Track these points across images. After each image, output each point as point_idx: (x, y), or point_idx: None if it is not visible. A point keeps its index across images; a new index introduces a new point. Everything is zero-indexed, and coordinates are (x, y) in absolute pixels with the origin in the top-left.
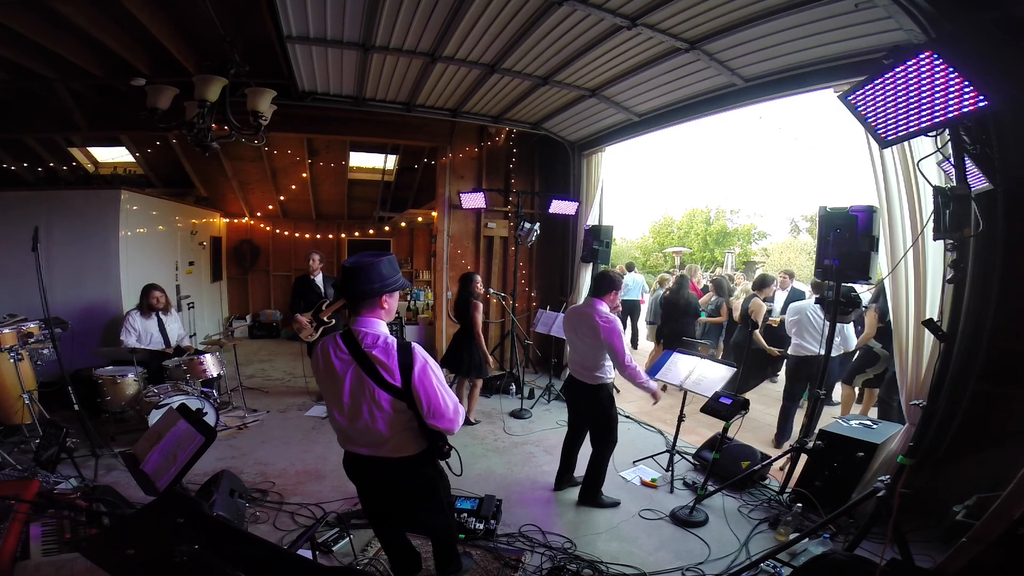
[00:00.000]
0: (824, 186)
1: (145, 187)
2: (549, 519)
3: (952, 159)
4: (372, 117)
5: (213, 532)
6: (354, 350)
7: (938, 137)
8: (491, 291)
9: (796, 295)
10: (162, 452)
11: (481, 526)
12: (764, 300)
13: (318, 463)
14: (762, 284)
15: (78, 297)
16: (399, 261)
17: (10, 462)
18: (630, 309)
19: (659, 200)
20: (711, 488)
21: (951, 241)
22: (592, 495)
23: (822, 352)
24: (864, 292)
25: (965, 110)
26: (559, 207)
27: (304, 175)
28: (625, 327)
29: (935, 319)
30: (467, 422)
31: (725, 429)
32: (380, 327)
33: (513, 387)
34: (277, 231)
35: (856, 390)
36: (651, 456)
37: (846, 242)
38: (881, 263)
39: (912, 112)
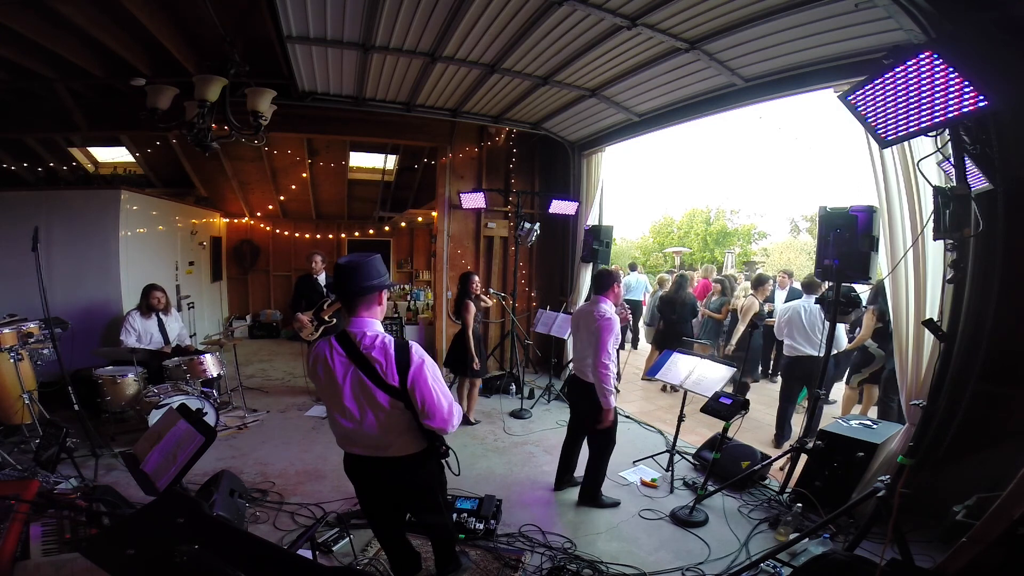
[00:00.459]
0: (824, 186)
1: (145, 187)
2: (549, 519)
3: (952, 159)
4: (372, 117)
5: (213, 532)
6: (352, 352)
7: (938, 137)
8: (491, 291)
9: (795, 295)
10: (162, 452)
11: (481, 526)
12: (764, 300)
13: (318, 463)
14: (758, 284)
15: (78, 297)
16: (399, 261)
17: (10, 462)
18: (632, 309)
19: (659, 200)
20: (711, 488)
21: (951, 241)
22: (592, 495)
23: (813, 352)
24: (861, 293)
25: (965, 110)
26: (559, 207)
27: (304, 175)
28: (626, 327)
29: (935, 319)
30: (467, 422)
31: (725, 429)
32: (377, 326)
33: (513, 387)
34: (277, 231)
35: (856, 390)
36: (651, 456)
37: (846, 242)
38: (881, 263)
39: (912, 112)
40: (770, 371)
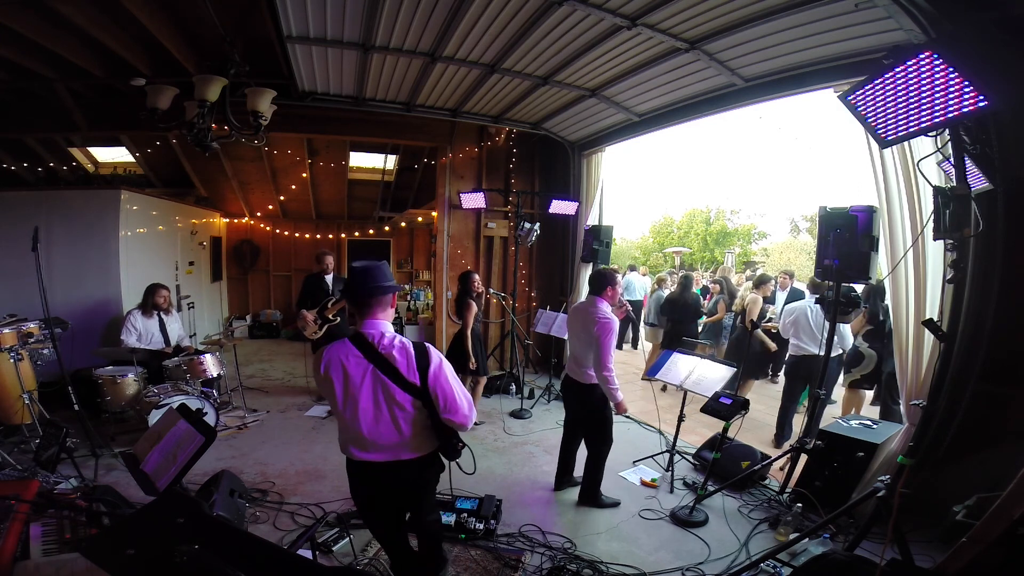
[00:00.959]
0: (824, 186)
1: (145, 187)
2: (549, 519)
3: (952, 159)
4: (372, 117)
5: (213, 532)
6: (369, 352)
7: (938, 137)
8: (491, 291)
9: (796, 295)
10: (162, 452)
11: (481, 526)
12: (764, 300)
13: (318, 463)
14: (760, 283)
15: (78, 297)
16: (399, 261)
17: (10, 462)
18: (635, 309)
19: (659, 200)
20: (711, 488)
21: (951, 241)
22: (592, 496)
23: (819, 352)
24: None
25: (965, 110)
26: (559, 207)
27: (304, 175)
28: (626, 327)
29: (935, 319)
30: None
31: (725, 429)
32: (390, 328)
33: (513, 387)
34: (277, 231)
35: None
36: (651, 456)
37: (846, 242)
38: (881, 263)
39: (912, 112)
40: (770, 371)
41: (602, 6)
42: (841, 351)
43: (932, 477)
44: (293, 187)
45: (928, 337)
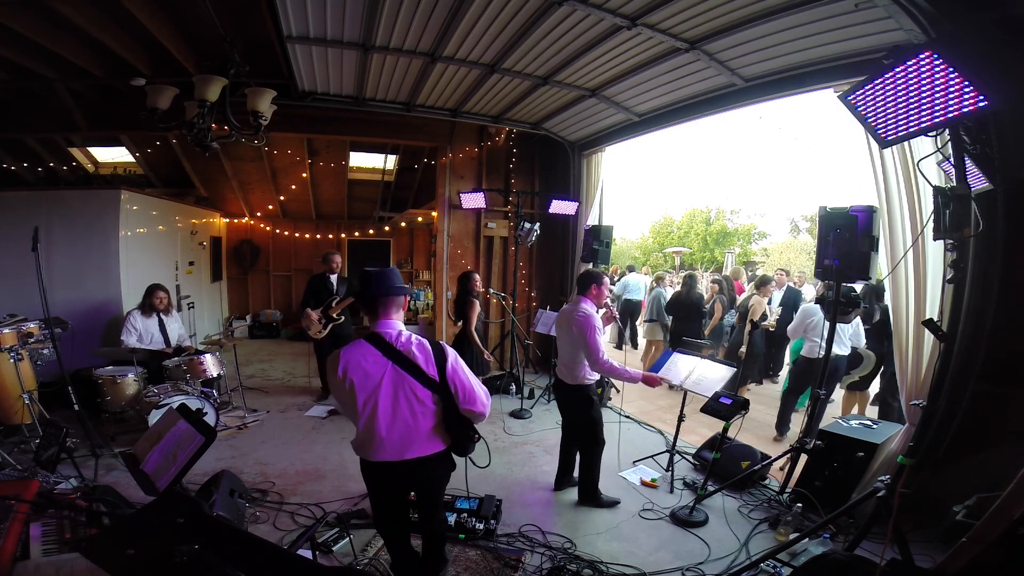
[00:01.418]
0: (824, 186)
1: (145, 187)
2: (549, 519)
3: (952, 159)
4: (372, 117)
5: (213, 532)
6: (388, 351)
7: (938, 137)
8: (491, 291)
9: (792, 294)
10: (162, 452)
11: (481, 526)
12: (764, 299)
13: (318, 463)
14: (761, 284)
15: (78, 297)
16: (399, 261)
17: (10, 462)
18: (632, 309)
19: (659, 200)
20: (711, 488)
21: (951, 241)
22: (590, 495)
23: (839, 352)
24: None
25: (965, 110)
26: (559, 207)
27: (304, 175)
28: (626, 327)
29: (935, 319)
30: None
31: (725, 429)
32: (403, 327)
33: (513, 387)
34: (277, 231)
35: (851, 392)
36: (651, 456)
37: (846, 242)
38: (881, 263)
39: (912, 112)
40: (770, 371)
41: (602, 6)
42: (852, 349)
43: (932, 477)
44: (293, 187)
45: (928, 337)
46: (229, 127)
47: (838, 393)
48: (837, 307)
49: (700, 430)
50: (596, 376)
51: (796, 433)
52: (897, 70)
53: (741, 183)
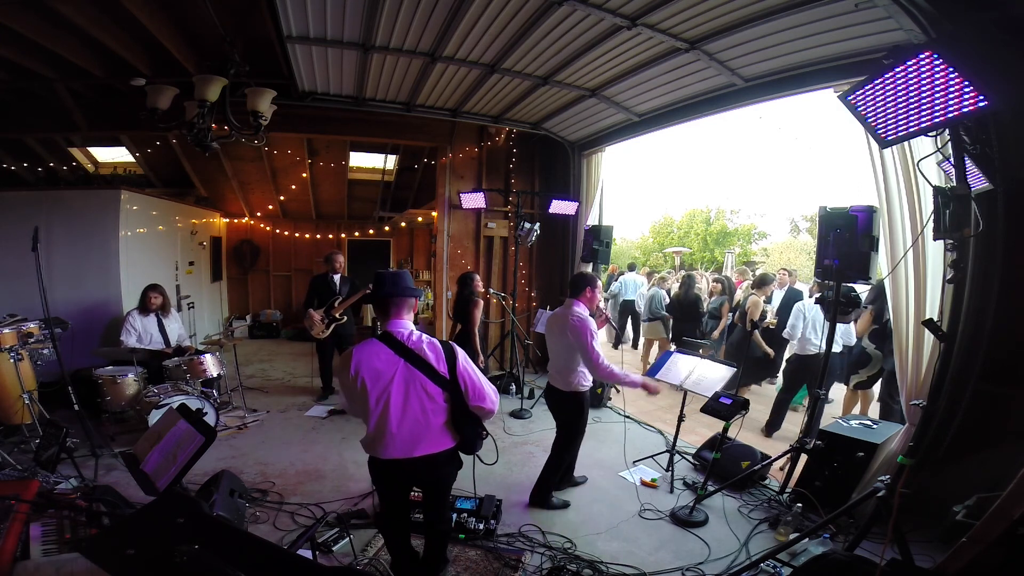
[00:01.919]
0: (824, 186)
1: (145, 187)
2: (549, 519)
3: (952, 159)
4: (372, 117)
5: (213, 532)
6: (399, 349)
7: (938, 137)
8: (491, 291)
9: (794, 294)
10: (162, 452)
11: (481, 526)
12: (764, 299)
13: (318, 463)
14: (761, 283)
15: (78, 297)
16: (399, 261)
17: (10, 462)
18: (630, 309)
19: (659, 200)
20: (711, 488)
21: (951, 241)
22: (542, 498)
23: (835, 349)
24: (861, 293)
25: (965, 110)
26: (559, 207)
27: (304, 175)
28: (624, 327)
29: (935, 319)
30: None
31: (725, 429)
32: (413, 327)
33: (513, 387)
34: (277, 231)
35: (855, 392)
36: (651, 456)
37: (846, 242)
38: (881, 263)
39: (912, 112)
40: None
41: (602, 6)
42: (842, 347)
43: (932, 477)
44: (293, 187)
45: (928, 337)
46: (229, 127)
47: (838, 393)
48: (837, 307)
49: (700, 430)
50: (589, 384)
51: (795, 433)
52: (897, 70)
53: (741, 183)
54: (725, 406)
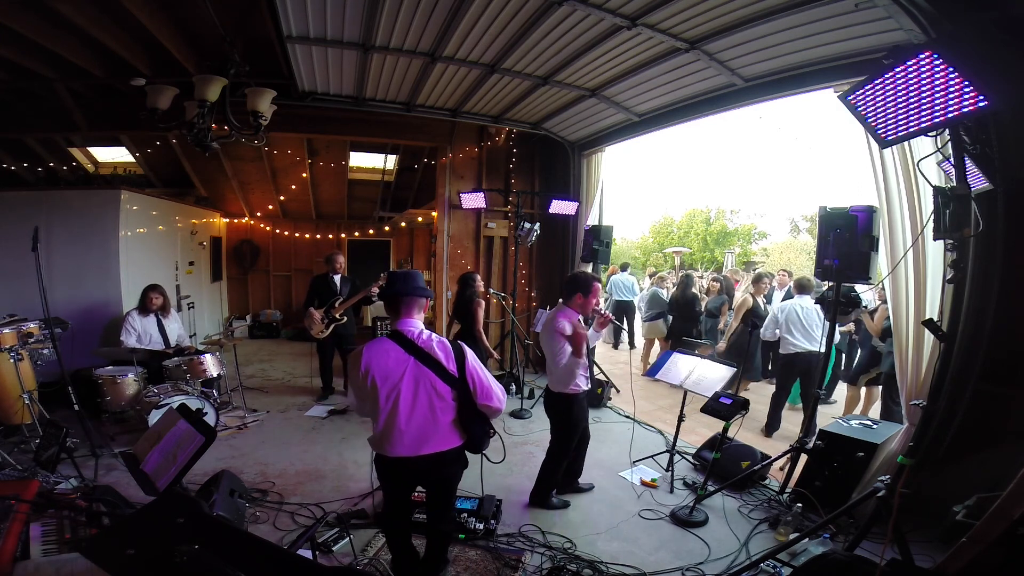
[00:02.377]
0: (824, 186)
1: (145, 187)
2: (549, 519)
3: (952, 159)
4: (372, 117)
5: (213, 532)
6: (409, 347)
7: (938, 137)
8: (491, 291)
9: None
10: (162, 452)
11: (481, 526)
12: (762, 299)
13: (318, 463)
14: (755, 281)
15: (78, 297)
16: (399, 261)
17: (10, 462)
18: (624, 309)
19: (659, 200)
20: (711, 488)
21: (951, 241)
22: (541, 499)
23: (812, 347)
24: (869, 291)
25: (965, 110)
26: (559, 207)
27: (304, 175)
28: (621, 327)
29: (935, 319)
30: None
31: (725, 429)
32: (423, 326)
33: (513, 387)
34: (277, 231)
35: (859, 390)
36: (651, 456)
37: (846, 242)
38: (881, 263)
39: (912, 112)
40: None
41: (602, 6)
42: (871, 348)
43: (932, 477)
44: (293, 187)
45: (928, 337)
46: (229, 127)
47: (839, 394)
48: (837, 307)
49: (700, 430)
50: (584, 387)
51: (795, 433)
52: (897, 70)
53: (741, 183)
54: (725, 406)
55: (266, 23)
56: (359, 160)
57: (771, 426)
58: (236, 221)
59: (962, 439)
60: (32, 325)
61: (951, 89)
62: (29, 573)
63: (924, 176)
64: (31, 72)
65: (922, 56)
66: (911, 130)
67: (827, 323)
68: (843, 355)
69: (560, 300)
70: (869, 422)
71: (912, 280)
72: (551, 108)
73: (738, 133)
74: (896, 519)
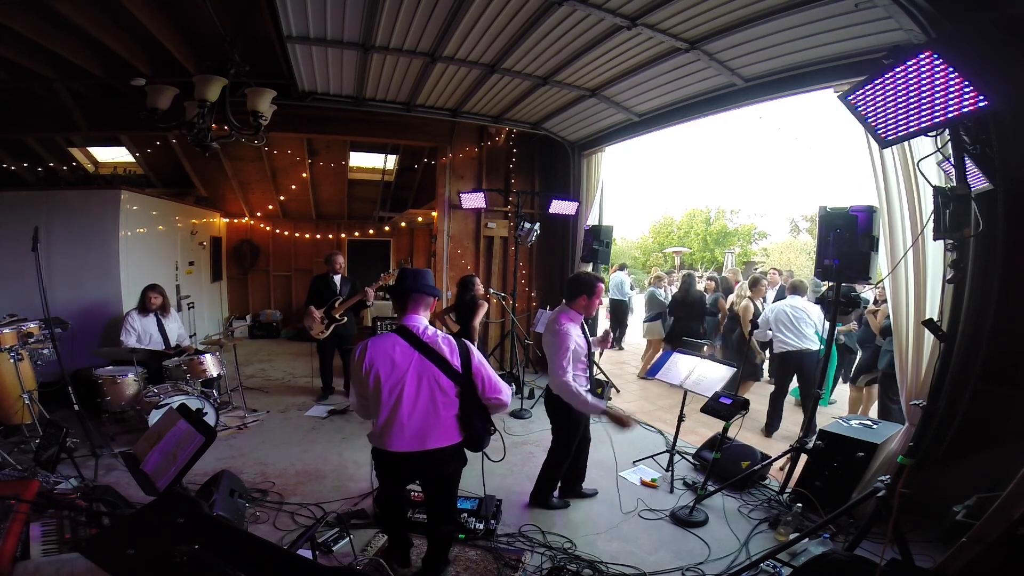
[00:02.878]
0: (824, 186)
1: (145, 187)
2: (549, 519)
3: (952, 159)
4: (372, 117)
5: (213, 532)
6: (415, 342)
7: (938, 137)
8: (491, 291)
9: (784, 294)
10: (162, 452)
11: (481, 526)
12: (760, 301)
13: (318, 463)
14: (753, 285)
15: (78, 297)
16: (399, 261)
17: (10, 462)
18: (618, 309)
19: (659, 200)
20: (711, 488)
21: (951, 241)
22: (541, 499)
23: (802, 345)
24: (869, 291)
25: (965, 110)
26: (559, 207)
27: (304, 175)
28: (614, 328)
29: (935, 319)
30: None
31: (725, 429)
32: (427, 323)
33: (513, 387)
34: (277, 231)
35: (861, 390)
36: (651, 456)
37: (846, 242)
38: (881, 263)
39: (912, 112)
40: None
41: (602, 6)
42: (875, 347)
43: (932, 477)
44: (293, 187)
45: (928, 337)
46: (229, 127)
47: (842, 394)
48: (837, 307)
49: (700, 430)
50: (584, 387)
51: (795, 433)
52: (897, 70)
53: (741, 183)
54: (725, 406)
55: (266, 23)
56: (359, 160)
57: (771, 426)
58: (236, 221)
59: (962, 439)
60: (32, 325)
61: (951, 89)
62: (29, 573)
63: (924, 176)
64: (31, 72)
65: (922, 56)
66: (911, 130)
67: (824, 322)
68: (858, 353)
69: (563, 300)
70: (869, 422)
71: (912, 280)
72: (551, 108)
73: (738, 133)
74: (896, 519)
